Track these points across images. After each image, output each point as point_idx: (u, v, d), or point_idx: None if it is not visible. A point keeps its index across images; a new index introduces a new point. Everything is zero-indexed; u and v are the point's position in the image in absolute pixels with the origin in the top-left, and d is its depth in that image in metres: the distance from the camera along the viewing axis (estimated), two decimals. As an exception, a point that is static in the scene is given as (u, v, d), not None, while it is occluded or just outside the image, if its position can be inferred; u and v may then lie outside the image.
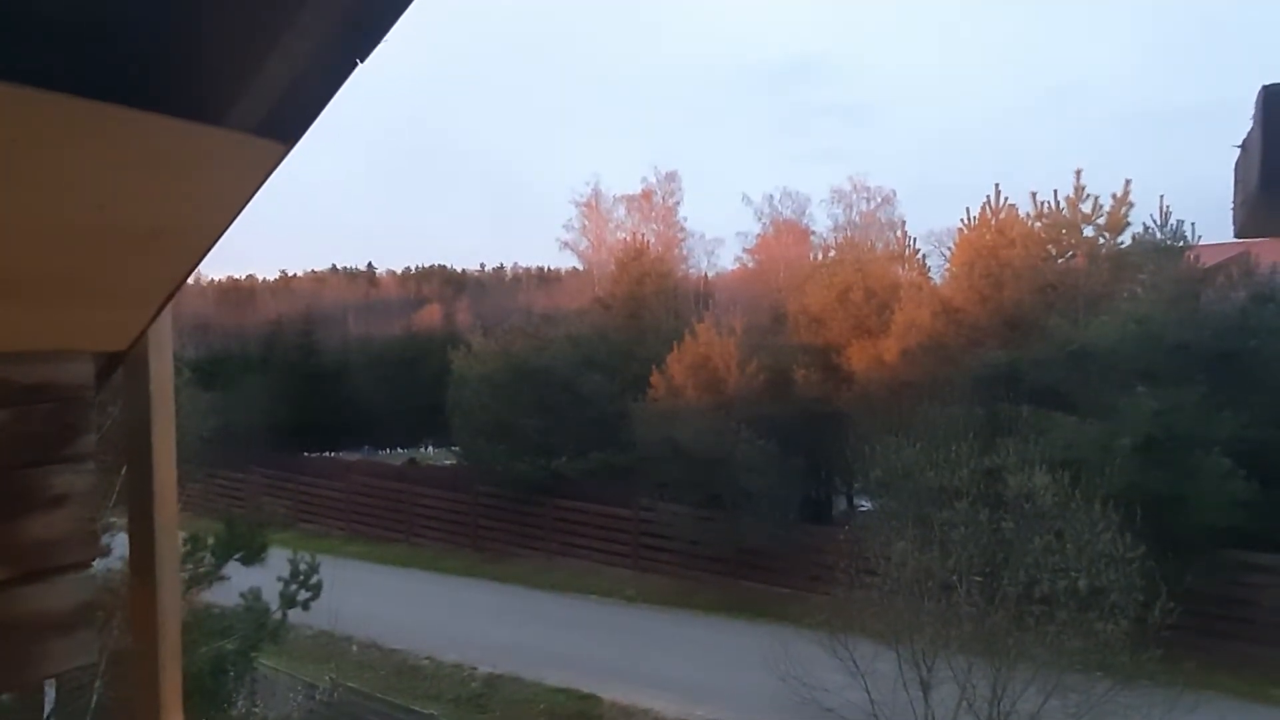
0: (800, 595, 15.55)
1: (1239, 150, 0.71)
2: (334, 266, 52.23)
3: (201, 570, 9.66)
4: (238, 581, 10.59)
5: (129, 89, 1.53)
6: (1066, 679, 9.24)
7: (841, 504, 21.92)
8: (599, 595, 18.76)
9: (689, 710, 13.29)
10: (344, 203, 72.66)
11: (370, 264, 54.27)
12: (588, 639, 16.18)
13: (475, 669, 15.06)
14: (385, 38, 1.64)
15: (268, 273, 51.90)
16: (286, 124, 1.84)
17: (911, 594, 10.40)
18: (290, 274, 50.42)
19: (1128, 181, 17.39)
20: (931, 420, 14.40)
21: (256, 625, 10.32)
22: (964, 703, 9.72)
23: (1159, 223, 16.93)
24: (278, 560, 11.09)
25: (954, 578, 10.33)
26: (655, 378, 19.17)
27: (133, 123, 1.58)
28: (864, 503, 20.07)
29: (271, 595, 10.78)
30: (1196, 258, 16.88)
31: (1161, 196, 16.92)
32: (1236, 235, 0.76)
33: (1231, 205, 0.79)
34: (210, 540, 9.91)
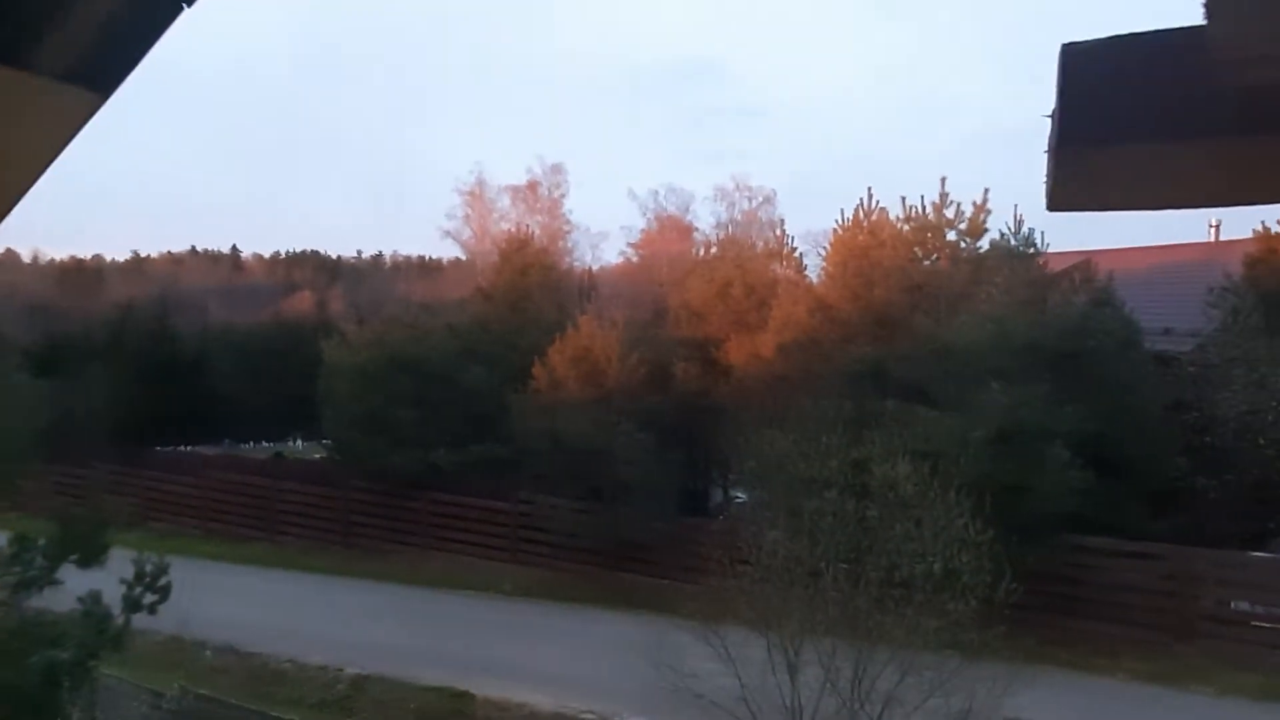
0: (677, 586, 15.75)
1: (1048, 120, 0.73)
2: (193, 248, 49.17)
3: (30, 574, 8.84)
4: (76, 585, 9.79)
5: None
6: (921, 657, 9.76)
7: (719, 495, 22.40)
8: (475, 590, 18.44)
9: (565, 703, 13.26)
10: (206, 180, 68.41)
11: (234, 246, 51.38)
12: (463, 635, 15.87)
13: (342, 670, 14.49)
14: (211, -22, 1.51)
15: (117, 253, 48.32)
16: (100, 71, 1.67)
17: (782, 581, 10.71)
18: (143, 254, 47.09)
19: (986, 190, 18.55)
20: (804, 413, 14.88)
21: (96, 632, 9.57)
22: (828, 684, 10.10)
23: (1013, 230, 18.15)
24: (122, 562, 10.33)
25: (822, 564, 10.71)
26: (537, 370, 18.99)
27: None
28: (740, 494, 20.59)
29: (114, 599, 10.02)
30: (1045, 264, 18.20)
31: (1016, 205, 18.15)
32: (1048, 209, 0.77)
33: (1044, 180, 0.80)
34: (41, 541, 9.09)
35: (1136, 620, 15.10)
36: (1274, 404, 14.97)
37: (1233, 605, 15.46)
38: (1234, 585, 15.43)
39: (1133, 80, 0.61)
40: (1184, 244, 23.98)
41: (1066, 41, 0.63)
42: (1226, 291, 17.07)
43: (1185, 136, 0.61)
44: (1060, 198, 0.72)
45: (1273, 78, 0.56)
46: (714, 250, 23.71)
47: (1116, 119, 0.63)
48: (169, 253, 47.40)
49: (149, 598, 10.06)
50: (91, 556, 9.81)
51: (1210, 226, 25.30)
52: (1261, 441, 15.06)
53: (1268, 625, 14.75)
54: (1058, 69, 0.64)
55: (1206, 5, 0.51)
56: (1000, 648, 9.72)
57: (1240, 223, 22.26)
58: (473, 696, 13.60)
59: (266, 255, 49.95)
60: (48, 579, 9.24)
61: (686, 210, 33.89)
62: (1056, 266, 18.73)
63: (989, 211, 18.48)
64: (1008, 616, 10.04)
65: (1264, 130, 0.59)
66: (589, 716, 13.00)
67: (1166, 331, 18.37)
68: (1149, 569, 15.33)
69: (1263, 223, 18.35)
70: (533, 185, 34.43)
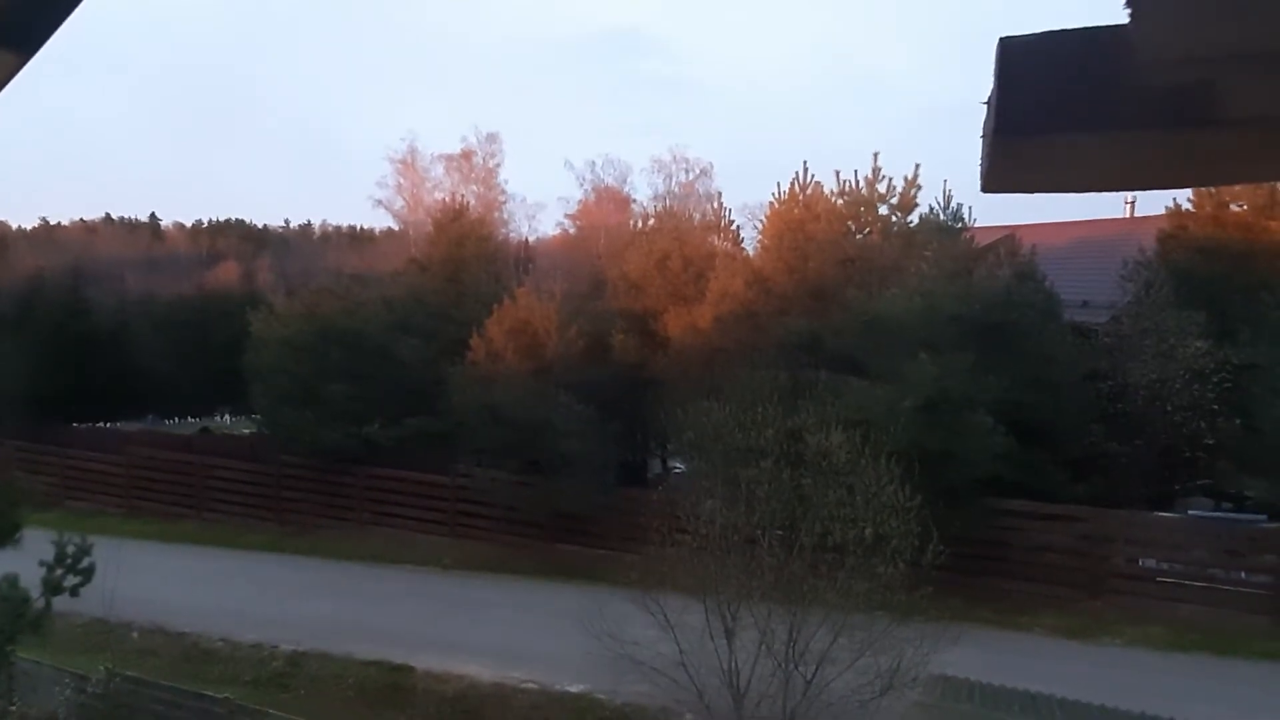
0: (616, 556, 15.87)
1: (984, 106, 0.76)
2: (108, 215, 46.92)
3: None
4: (-10, 568, 9.37)
5: None
6: (853, 619, 10.11)
7: (657, 466, 22.61)
8: (414, 565, 18.30)
9: (505, 674, 13.32)
10: (122, 144, 65.14)
11: (153, 214, 49.16)
12: (401, 610, 15.77)
13: (277, 647, 14.26)
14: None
15: (24, 219, 45.87)
16: (23, 31, 1.59)
17: (719, 549, 10.94)
18: (53, 222, 44.75)
19: (917, 166, 18.94)
20: (740, 384, 15.09)
21: (13, 616, 9.22)
22: (764, 646, 10.39)
23: (942, 205, 18.61)
24: (41, 543, 9.95)
25: (758, 532, 10.98)
26: (474, 342, 18.77)
27: None
28: (678, 464, 20.82)
29: (33, 582, 9.64)
30: (972, 238, 18.73)
31: (945, 181, 18.60)
32: (983, 190, 0.81)
33: (979, 163, 0.84)
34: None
35: (1054, 578, 15.88)
36: (1181, 373, 15.79)
37: (1140, 562, 16.39)
38: (1142, 544, 16.34)
39: (1066, 74, 0.65)
40: (1102, 220, 24.97)
41: (1004, 35, 0.67)
42: (1140, 266, 17.85)
43: (1113, 128, 0.65)
44: (994, 181, 0.77)
45: (1188, 78, 0.60)
46: (652, 222, 23.65)
47: (1050, 110, 0.67)
48: (81, 220, 45.12)
49: (70, 580, 9.71)
50: (2, 537, 9.40)
51: (1126, 204, 26.39)
52: (1169, 409, 15.91)
53: (1171, 580, 15.70)
54: (995, 61, 0.67)
55: (1130, 10, 0.55)
56: (928, 608, 10.13)
57: (1154, 200, 23.29)
58: (412, 670, 13.56)
59: (188, 224, 47.94)
60: (-42, 563, 8.83)
61: (624, 182, 33.73)
62: (983, 241, 19.30)
63: (919, 187, 18.90)
64: (935, 578, 10.45)
65: (1182, 125, 0.64)
66: (530, 687, 13.10)
67: (1084, 304, 19.17)
68: (1066, 530, 16.10)
69: (1174, 200, 19.24)
70: (467, 154, 33.78)
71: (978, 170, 0.79)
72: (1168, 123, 0.63)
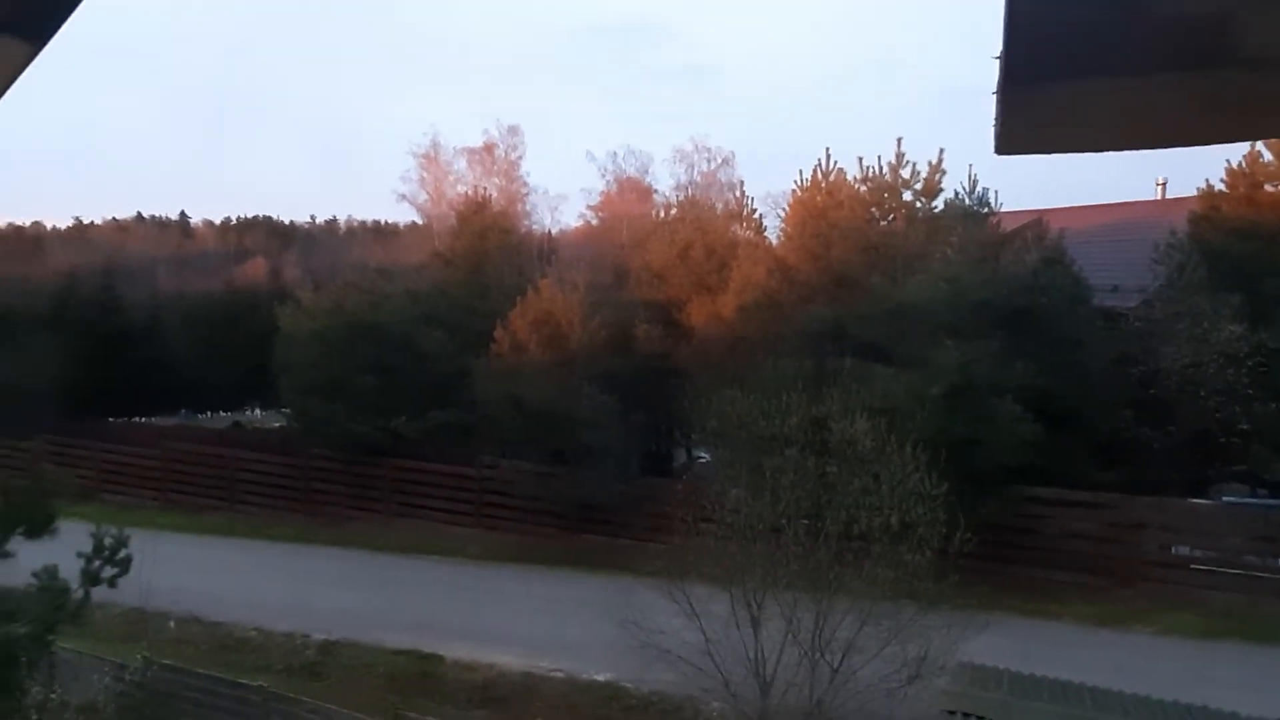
0: (641, 546, 15.92)
1: (997, 61, 0.74)
2: (139, 214, 47.62)
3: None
4: (29, 559, 9.58)
5: None
6: (880, 607, 10.06)
7: (682, 456, 22.62)
8: (441, 555, 18.48)
9: (533, 662, 13.43)
10: (152, 143, 66.12)
11: (183, 212, 49.82)
12: (429, 600, 15.93)
13: (309, 637, 14.48)
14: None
15: (58, 219, 46.73)
16: (32, 18, 1.62)
17: (744, 538, 10.93)
18: (86, 221, 45.52)
19: (941, 150, 18.73)
20: (764, 373, 15.05)
21: (53, 606, 9.41)
22: (790, 635, 10.37)
23: (968, 190, 18.38)
24: (79, 535, 10.15)
25: (783, 520, 10.94)
26: (498, 334, 18.87)
27: None
28: (702, 454, 20.81)
29: (73, 573, 9.85)
30: (998, 223, 18.48)
31: (970, 165, 18.36)
32: (996, 151, 0.79)
33: (992, 122, 0.82)
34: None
35: (1084, 566, 15.69)
36: (1215, 357, 15.48)
37: (1174, 550, 16.15)
38: (1175, 531, 16.10)
39: (1083, 12, 0.62)
40: (1132, 202, 24.53)
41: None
42: (1172, 248, 17.50)
43: (1134, 73, 0.62)
44: (1008, 140, 0.74)
45: (1213, 9, 0.57)
46: (674, 212, 23.60)
47: (1066, 53, 0.64)
48: (114, 219, 45.84)
49: (108, 571, 9.90)
50: (39, 528, 9.59)
51: (1157, 185, 25.90)
52: (1202, 393, 15.61)
53: (1204, 568, 15.45)
54: (1005, 4, 0.65)
55: None
56: (954, 596, 10.06)
57: (1186, 182, 22.79)
58: (441, 659, 13.71)
59: (216, 221, 48.54)
60: (-1, 552, 9.05)
61: (646, 172, 33.58)
62: (1009, 225, 19.03)
63: (944, 172, 18.68)
64: (962, 566, 10.37)
65: (1207, 66, 0.60)
66: (557, 675, 13.20)
67: (1115, 288, 18.84)
68: (1096, 517, 15.90)
69: (1207, 180, 18.82)
70: (489, 147, 33.81)
71: (991, 132, 0.77)
72: (1191, 64, 0.60)
